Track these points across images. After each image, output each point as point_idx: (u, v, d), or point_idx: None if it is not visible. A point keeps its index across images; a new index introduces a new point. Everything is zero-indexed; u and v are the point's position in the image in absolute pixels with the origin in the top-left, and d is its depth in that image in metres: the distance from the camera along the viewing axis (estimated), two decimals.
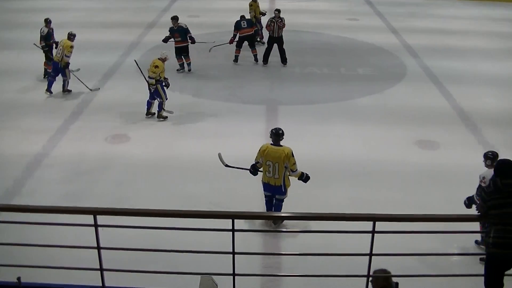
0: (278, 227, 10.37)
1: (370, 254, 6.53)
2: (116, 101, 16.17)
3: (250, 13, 22.42)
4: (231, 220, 6.49)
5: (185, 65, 18.92)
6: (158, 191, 11.43)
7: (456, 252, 9.55)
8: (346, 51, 21.70)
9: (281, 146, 10.11)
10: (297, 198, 10.89)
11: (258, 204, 10.81)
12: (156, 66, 14.80)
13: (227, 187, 11.54)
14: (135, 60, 16.32)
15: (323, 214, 7.33)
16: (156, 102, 15.09)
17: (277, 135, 10.15)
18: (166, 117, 14.99)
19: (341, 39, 23.43)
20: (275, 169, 9.99)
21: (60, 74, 16.62)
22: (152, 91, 14.94)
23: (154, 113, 15.18)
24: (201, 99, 16.54)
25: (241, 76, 18.48)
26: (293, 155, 10.02)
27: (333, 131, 14.40)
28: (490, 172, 8.68)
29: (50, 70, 16.99)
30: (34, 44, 17.72)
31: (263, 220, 10.42)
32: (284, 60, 19.45)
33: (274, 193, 10.30)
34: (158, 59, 14.97)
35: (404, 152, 13.29)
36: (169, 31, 18.65)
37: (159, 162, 12.64)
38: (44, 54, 17.51)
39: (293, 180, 10.34)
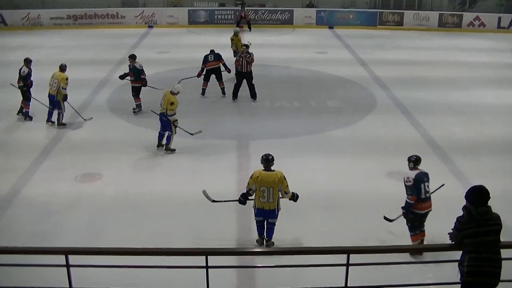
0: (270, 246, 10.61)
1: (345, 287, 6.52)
2: (87, 139, 16.05)
3: (231, 47, 22.69)
4: (204, 257, 6.44)
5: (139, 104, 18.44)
6: (130, 229, 11.29)
7: (431, 282, 9.54)
8: (316, 84, 21.85)
9: (273, 170, 10.42)
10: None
11: (231, 240, 10.76)
12: (172, 103, 14.72)
13: (200, 223, 11.45)
14: (152, 110, 16.27)
15: (297, 249, 7.32)
16: (166, 134, 15.03)
17: (267, 160, 10.47)
18: (174, 150, 14.95)
19: (310, 72, 23.62)
20: (270, 194, 10.24)
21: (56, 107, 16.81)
22: (163, 122, 14.94)
23: (163, 145, 15.17)
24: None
25: (211, 111, 18.47)
26: (285, 178, 10.38)
27: (305, 164, 14.42)
28: (413, 173, 10.14)
29: (27, 110, 17.00)
30: (11, 84, 17.52)
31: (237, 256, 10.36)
32: (253, 95, 19.46)
33: (267, 217, 10.50)
34: (170, 92, 14.86)
35: (376, 183, 13.33)
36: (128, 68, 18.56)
37: (131, 200, 12.51)
38: (21, 93, 17.26)
39: None
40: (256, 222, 10.72)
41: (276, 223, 10.54)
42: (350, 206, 12.28)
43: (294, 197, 10.72)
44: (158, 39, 30.55)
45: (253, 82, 19.46)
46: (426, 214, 10.49)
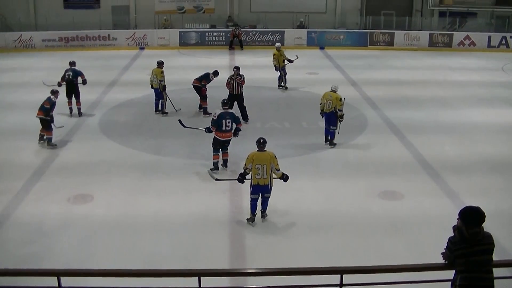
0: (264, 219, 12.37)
1: None
2: (78, 160, 16.02)
3: (273, 61, 23.82)
4: (197, 278, 6.43)
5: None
6: (122, 250, 11.24)
7: None
8: (307, 105, 21.85)
9: (266, 150, 12.22)
10: (262, 253, 10.88)
11: (224, 260, 10.74)
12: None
13: (192, 244, 11.42)
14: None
15: (290, 269, 7.30)
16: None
17: (262, 143, 12.28)
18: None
19: (301, 93, 23.69)
20: (264, 170, 11.94)
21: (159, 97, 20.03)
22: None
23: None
24: (162, 157, 16.47)
25: (202, 133, 18.38)
26: (276, 157, 12.11)
27: (296, 185, 14.39)
28: (219, 111, 14.89)
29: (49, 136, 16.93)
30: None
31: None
32: (245, 117, 19.41)
33: (263, 192, 12.18)
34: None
35: (368, 204, 13.32)
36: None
37: (123, 221, 12.46)
38: (43, 121, 16.89)
39: (255, 239, 10.28)
40: (251, 200, 12.24)
41: (269, 198, 12.25)
42: (342, 226, 12.26)
43: (284, 176, 12.42)
44: (150, 61, 30.50)
45: (244, 104, 19.50)
46: (225, 141, 15.23)
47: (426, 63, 31.24)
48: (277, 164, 12.11)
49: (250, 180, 12.17)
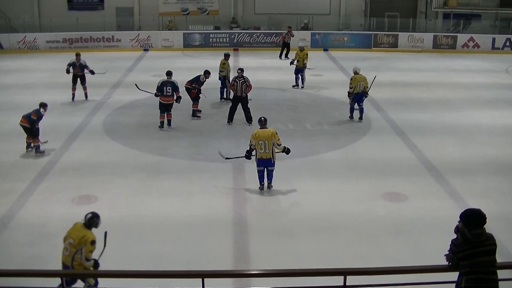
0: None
1: None
2: (83, 161, 16.04)
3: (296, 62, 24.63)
4: (201, 279, 6.42)
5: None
6: (126, 251, 11.24)
7: None
8: (311, 107, 21.89)
9: (267, 128, 13.85)
10: (266, 254, 10.88)
11: (228, 262, 10.74)
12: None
13: (196, 245, 11.42)
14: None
15: (293, 270, 7.30)
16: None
17: (264, 121, 13.98)
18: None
19: (305, 94, 23.68)
20: (266, 146, 13.56)
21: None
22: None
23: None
24: (166, 158, 16.48)
25: (206, 134, 18.45)
26: (277, 133, 13.74)
27: (300, 187, 14.42)
28: (161, 79, 18.89)
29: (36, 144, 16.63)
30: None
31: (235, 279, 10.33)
32: (249, 119, 19.40)
33: (267, 165, 13.80)
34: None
35: (372, 205, 13.32)
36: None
37: (127, 222, 12.47)
38: (26, 129, 16.54)
39: (259, 240, 10.26)
40: (258, 172, 13.95)
41: (274, 170, 13.88)
42: (346, 228, 12.26)
43: (285, 150, 14.09)
44: (153, 62, 30.64)
45: (248, 106, 19.49)
46: (168, 105, 18.74)
47: (430, 65, 31.21)
48: (278, 139, 13.74)
49: (255, 156, 13.78)
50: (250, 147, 13.89)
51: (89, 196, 13.77)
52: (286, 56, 31.64)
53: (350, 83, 19.79)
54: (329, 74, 28.03)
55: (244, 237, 11.84)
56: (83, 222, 9.17)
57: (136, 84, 20.61)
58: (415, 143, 17.63)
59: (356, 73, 19.92)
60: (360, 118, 19.99)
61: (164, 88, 18.69)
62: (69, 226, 12.13)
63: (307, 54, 24.95)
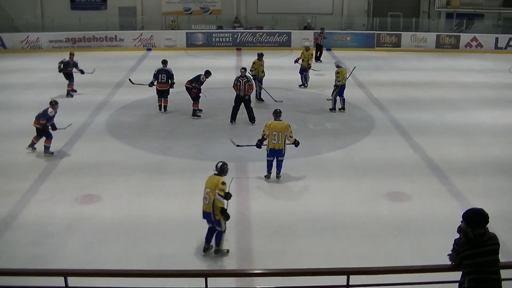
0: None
1: None
2: (85, 161, 16.05)
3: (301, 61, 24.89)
4: (204, 278, 6.43)
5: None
6: (129, 250, 11.26)
7: None
8: (314, 106, 21.87)
9: (281, 120, 14.49)
10: (269, 253, 10.87)
11: (231, 261, 10.74)
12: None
13: (198, 245, 11.41)
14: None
15: (296, 270, 7.30)
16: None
17: (279, 113, 14.62)
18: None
19: (308, 94, 23.68)
20: (279, 137, 14.24)
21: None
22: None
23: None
24: (169, 157, 16.48)
25: (208, 134, 18.44)
26: (290, 126, 14.45)
27: (302, 186, 14.43)
28: (158, 68, 20.43)
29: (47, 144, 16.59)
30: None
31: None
32: (252, 118, 19.41)
33: (277, 156, 14.46)
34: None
35: (374, 205, 13.30)
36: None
37: (129, 222, 12.48)
38: (39, 130, 16.53)
39: (262, 239, 10.25)
40: (267, 161, 14.60)
41: (283, 161, 14.52)
42: (349, 227, 12.25)
43: (296, 142, 14.69)
44: (156, 62, 30.49)
45: (251, 106, 19.48)
46: (163, 91, 20.52)
47: (433, 64, 31.19)
48: (291, 132, 14.47)
49: (266, 146, 14.45)
50: (263, 137, 14.52)
51: (91, 196, 13.78)
52: (319, 58, 31.47)
53: (338, 76, 20.75)
54: (332, 73, 27.90)
55: (246, 236, 11.84)
56: (215, 172, 11.01)
57: (130, 79, 22.05)
58: (418, 142, 17.61)
59: (339, 66, 21.04)
60: (343, 108, 21.01)
61: (159, 75, 20.66)
62: (72, 226, 12.20)
63: (312, 54, 25.04)
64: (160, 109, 20.92)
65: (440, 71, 29.19)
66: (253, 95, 20.38)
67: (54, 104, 16.51)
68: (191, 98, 20.13)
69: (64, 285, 6.33)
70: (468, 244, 6.59)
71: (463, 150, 17.18)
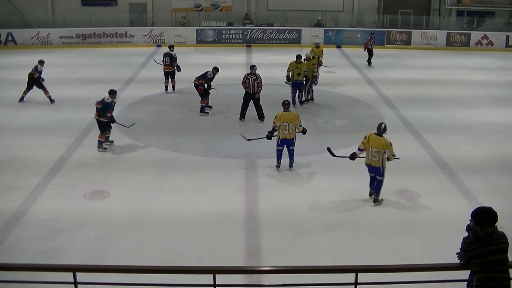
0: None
1: None
2: (95, 157, 16.11)
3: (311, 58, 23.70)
4: (212, 275, 6.44)
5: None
6: (138, 246, 11.29)
7: None
8: (323, 104, 21.85)
9: (290, 111, 15.11)
10: (277, 251, 10.88)
11: (239, 258, 10.75)
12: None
13: (207, 241, 11.44)
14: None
15: (305, 267, 7.31)
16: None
17: (287, 104, 15.33)
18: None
19: (318, 91, 23.61)
20: (290, 127, 14.80)
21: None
22: None
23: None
24: (179, 154, 16.49)
25: (218, 131, 18.44)
26: (299, 115, 15.11)
27: (311, 184, 14.43)
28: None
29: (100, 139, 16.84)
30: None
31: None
32: (261, 116, 19.39)
33: (289, 145, 15.00)
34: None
35: (384, 203, 13.26)
36: None
37: (139, 218, 12.50)
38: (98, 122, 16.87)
39: (270, 236, 10.26)
40: (277, 151, 15.04)
41: (294, 149, 15.05)
42: (358, 225, 12.24)
43: (304, 130, 15.24)
44: None
45: (260, 103, 19.47)
46: (168, 73, 22.24)
47: (444, 62, 31.11)
48: (300, 121, 15.08)
49: (276, 136, 14.99)
50: (274, 128, 15.02)
51: (101, 192, 13.82)
52: (370, 62, 30.41)
53: (305, 69, 21.36)
54: (342, 71, 27.97)
55: (255, 233, 11.84)
56: (376, 133, 12.86)
57: (154, 59, 25.40)
58: (428, 140, 17.57)
59: (306, 59, 22.03)
60: (312, 98, 22.22)
61: (164, 58, 23.19)
62: (82, 221, 12.22)
63: (322, 51, 24.99)
64: (166, 89, 23.30)
65: (451, 69, 29.10)
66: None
67: (111, 92, 16.76)
68: (199, 94, 20.15)
69: (73, 280, 6.35)
70: (477, 243, 6.58)
71: (473, 148, 17.13)
